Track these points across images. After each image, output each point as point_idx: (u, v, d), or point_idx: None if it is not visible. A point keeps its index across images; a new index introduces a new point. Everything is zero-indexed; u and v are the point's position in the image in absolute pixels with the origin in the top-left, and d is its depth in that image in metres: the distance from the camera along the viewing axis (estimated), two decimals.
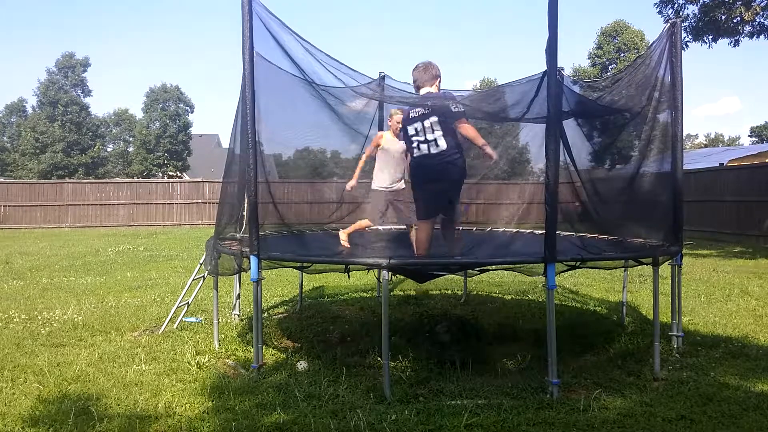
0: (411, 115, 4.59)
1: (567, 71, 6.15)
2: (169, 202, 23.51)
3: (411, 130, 4.59)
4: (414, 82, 4.71)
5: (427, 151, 4.54)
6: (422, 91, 4.67)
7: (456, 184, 4.67)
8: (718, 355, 4.67)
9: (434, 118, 4.49)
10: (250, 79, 4.13)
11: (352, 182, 5.65)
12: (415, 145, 4.59)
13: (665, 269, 5.05)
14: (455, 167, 4.56)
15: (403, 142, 4.99)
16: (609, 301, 7.03)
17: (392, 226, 7.05)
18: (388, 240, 6.22)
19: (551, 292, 3.83)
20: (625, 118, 5.37)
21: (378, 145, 5.36)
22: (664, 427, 3.31)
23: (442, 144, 4.49)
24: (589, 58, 34.89)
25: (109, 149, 42.05)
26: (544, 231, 3.86)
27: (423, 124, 4.52)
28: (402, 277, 7.93)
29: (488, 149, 4.51)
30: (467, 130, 4.47)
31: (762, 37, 13.56)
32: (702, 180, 16.73)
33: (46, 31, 76.06)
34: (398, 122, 5.05)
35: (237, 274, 5.53)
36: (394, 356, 4.41)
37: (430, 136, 4.50)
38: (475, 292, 7.58)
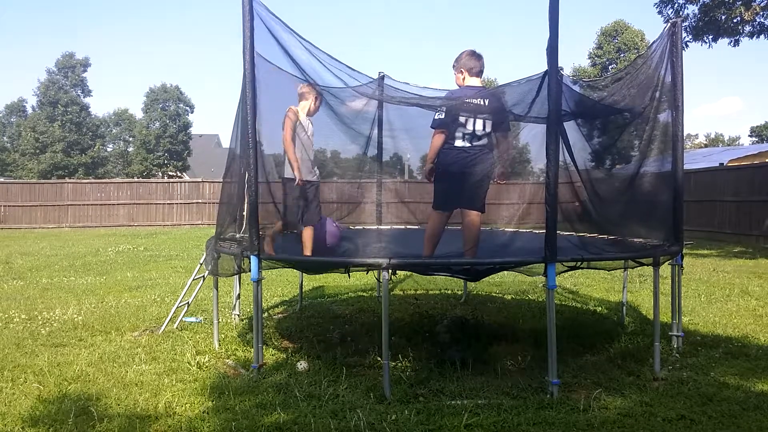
0: (466, 102, 4.40)
1: (567, 71, 6.16)
2: (169, 202, 23.52)
3: (462, 119, 4.39)
4: (468, 69, 4.54)
5: (468, 144, 4.42)
6: (472, 81, 4.55)
7: (483, 181, 4.56)
8: (718, 355, 4.67)
9: (489, 118, 4.41)
10: (250, 79, 4.13)
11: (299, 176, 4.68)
12: (459, 135, 4.41)
13: (665, 269, 5.05)
14: (488, 163, 4.49)
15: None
16: (609, 301, 7.03)
17: (392, 226, 7.05)
18: (388, 240, 6.22)
19: (551, 292, 3.83)
20: (626, 119, 5.37)
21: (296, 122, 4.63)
22: (664, 427, 3.31)
23: (485, 141, 4.45)
24: (589, 58, 34.93)
25: (109, 149, 42.06)
26: (544, 231, 3.86)
27: (475, 118, 4.38)
28: (402, 276, 7.97)
29: (507, 168, 4.49)
30: (507, 143, 4.49)
31: (762, 37, 13.56)
32: (702, 180, 16.72)
33: (46, 31, 76.20)
34: (316, 102, 4.69)
35: (237, 275, 5.53)
36: (394, 356, 4.42)
37: (479, 132, 4.40)
38: (475, 292, 7.58)
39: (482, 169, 4.46)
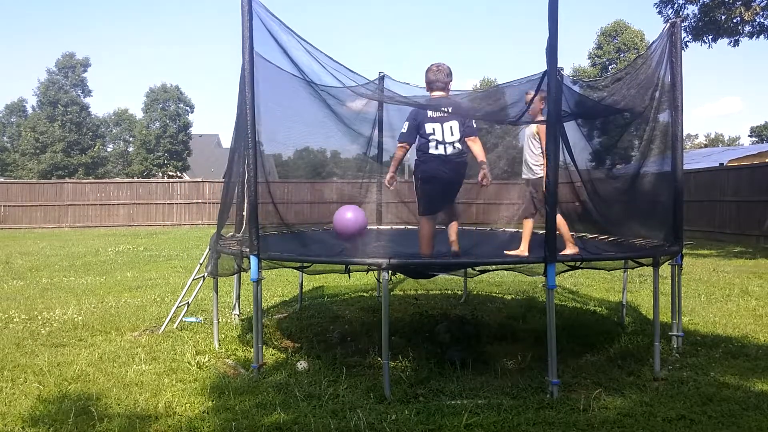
0: (429, 114, 4.59)
1: (567, 71, 6.16)
2: (169, 202, 23.51)
3: (428, 129, 4.58)
4: (428, 83, 4.73)
5: (443, 152, 4.57)
6: (435, 94, 4.70)
7: (461, 184, 4.75)
8: (717, 355, 4.67)
9: (455, 123, 4.57)
10: (249, 79, 4.13)
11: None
12: (433, 144, 4.59)
13: (665, 269, 5.05)
14: (465, 167, 4.67)
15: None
16: (609, 301, 7.03)
17: (392, 226, 7.05)
18: (388, 240, 6.22)
19: (551, 292, 3.83)
20: (626, 119, 5.38)
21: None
22: (664, 427, 3.31)
23: (458, 146, 4.60)
24: (589, 58, 34.88)
25: (109, 149, 42.01)
26: (544, 231, 3.86)
27: (442, 126, 4.56)
28: (402, 276, 7.98)
29: (486, 169, 4.59)
30: (478, 146, 4.62)
31: (762, 37, 13.55)
32: (702, 180, 16.72)
33: (46, 32, 76.16)
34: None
35: (237, 274, 5.53)
36: (394, 356, 4.42)
37: (449, 139, 4.56)
38: (475, 292, 7.59)
39: (458, 175, 4.64)
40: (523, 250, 4.73)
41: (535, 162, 4.87)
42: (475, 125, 4.64)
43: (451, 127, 4.56)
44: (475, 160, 4.64)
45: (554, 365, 3.77)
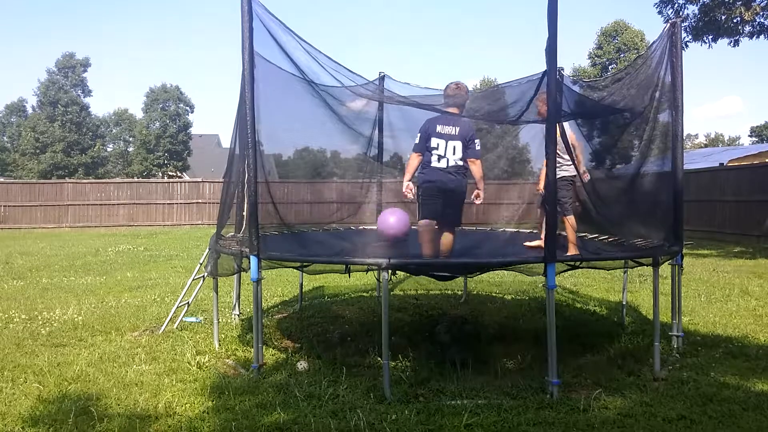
0: (438, 129, 4.77)
1: (567, 71, 6.16)
2: (169, 202, 23.50)
3: (433, 143, 4.78)
4: (446, 98, 4.91)
5: (445, 165, 4.78)
6: (450, 110, 4.85)
7: (460, 197, 4.89)
8: (718, 355, 4.67)
9: (458, 143, 4.77)
10: (249, 79, 4.13)
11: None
12: (435, 158, 4.79)
13: (665, 269, 5.05)
14: (463, 183, 4.88)
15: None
16: (609, 301, 7.03)
17: None
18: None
19: (551, 292, 3.83)
20: (626, 119, 5.38)
21: None
22: (664, 427, 3.31)
23: (459, 163, 4.80)
24: (589, 58, 34.87)
25: (109, 149, 42.00)
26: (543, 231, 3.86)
27: (446, 144, 4.76)
28: (402, 276, 7.97)
29: (481, 191, 4.85)
30: (477, 168, 4.83)
31: (762, 37, 13.55)
32: (702, 180, 16.72)
33: (46, 32, 76.17)
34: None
35: (237, 274, 5.53)
36: (394, 356, 4.42)
37: (450, 156, 4.78)
38: (475, 292, 7.58)
39: (456, 187, 4.80)
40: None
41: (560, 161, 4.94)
42: (478, 148, 4.82)
43: (454, 146, 4.77)
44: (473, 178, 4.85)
45: (554, 365, 3.77)
